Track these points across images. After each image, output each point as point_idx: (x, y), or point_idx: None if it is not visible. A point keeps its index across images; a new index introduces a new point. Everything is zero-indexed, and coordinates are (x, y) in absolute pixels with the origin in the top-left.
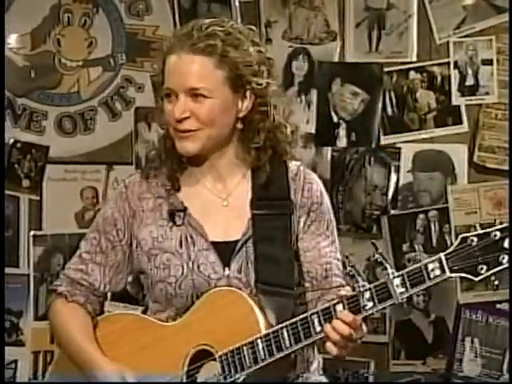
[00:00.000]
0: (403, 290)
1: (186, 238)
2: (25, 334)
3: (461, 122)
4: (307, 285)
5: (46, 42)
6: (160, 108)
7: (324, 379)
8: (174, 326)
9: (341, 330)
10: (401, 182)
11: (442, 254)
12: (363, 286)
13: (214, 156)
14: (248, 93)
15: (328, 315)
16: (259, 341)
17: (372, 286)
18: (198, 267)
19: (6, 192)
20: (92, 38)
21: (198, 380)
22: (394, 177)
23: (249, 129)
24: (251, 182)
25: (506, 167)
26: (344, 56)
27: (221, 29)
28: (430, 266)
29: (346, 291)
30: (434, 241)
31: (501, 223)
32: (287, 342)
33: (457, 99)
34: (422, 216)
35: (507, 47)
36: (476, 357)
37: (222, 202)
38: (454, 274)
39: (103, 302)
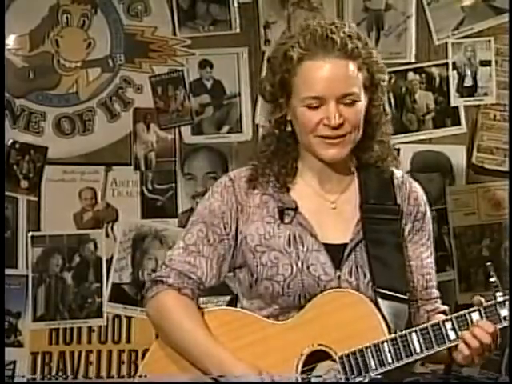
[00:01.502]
0: None
1: (295, 238)
2: (23, 335)
3: (459, 123)
4: (408, 294)
5: (45, 43)
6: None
7: None
8: (285, 325)
9: (481, 337)
10: None
11: None
12: (503, 295)
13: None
14: (371, 90)
15: (463, 323)
16: (385, 344)
17: None
18: (308, 268)
19: (5, 193)
20: (90, 38)
21: (313, 380)
22: None
23: (369, 124)
24: (358, 186)
25: (505, 168)
26: None
27: (350, 29)
28: None
29: (441, 304)
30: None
31: None
32: (417, 348)
33: (455, 100)
34: None
35: (506, 48)
36: None
37: (331, 205)
38: None
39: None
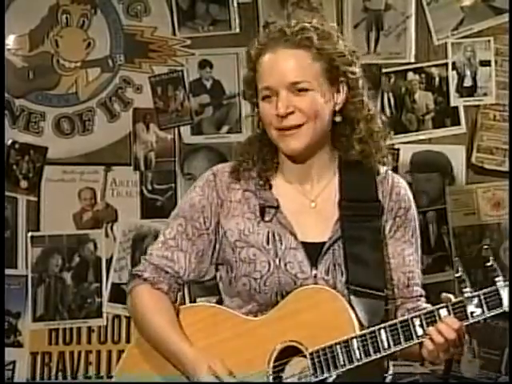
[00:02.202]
0: None
1: (274, 235)
2: (23, 336)
3: (459, 123)
4: (388, 292)
5: (44, 43)
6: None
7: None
8: (258, 321)
9: (446, 333)
10: None
11: None
12: (471, 291)
13: (311, 156)
14: (342, 85)
15: (431, 319)
16: (354, 340)
17: (481, 292)
18: (285, 265)
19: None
20: (90, 38)
21: (284, 376)
22: None
23: (346, 121)
24: (339, 183)
25: (504, 168)
26: None
27: (310, 23)
28: None
29: (424, 302)
30: (432, 242)
31: None
32: (385, 344)
33: (455, 100)
34: (419, 217)
35: (505, 48)
36: (474, 357)
37: (310, 204)
38: None
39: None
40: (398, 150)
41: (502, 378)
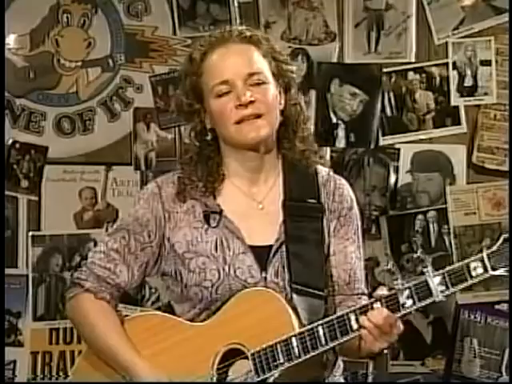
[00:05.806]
0: (443, 288)
1: (222, 242)
2: (23, 335)
3: (459, 123)
4: (329, 289)
5: (45, 43)
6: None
7: (341, 379)
8: (203, 326)
9: (375, 320)
10: (400, 183)
11: (484, 253)
12: (402, 284)
13: (261, 158)
14: (284, 86)
15: (366, 313)
16: (293, 338)
17: (411, 284)
18: (235, 271)
19: (5, 192)
20: (91, 38)
21: (229, 378)
22: (392, 177)
23: (289, 123)
24: (283, 184)
25: (505, 168)
26: (343, 57)
27: (248, 28)
28: (472, 265)
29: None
30: (433, 241)
31: None
32: (322, 340)
33: (455, 100)
34: (420, 217)
35: (506, 48)
36: (475, 357)
37: (258, 206)
38: (496, 273)
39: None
40: (399, 149)
41: (502, 378)
